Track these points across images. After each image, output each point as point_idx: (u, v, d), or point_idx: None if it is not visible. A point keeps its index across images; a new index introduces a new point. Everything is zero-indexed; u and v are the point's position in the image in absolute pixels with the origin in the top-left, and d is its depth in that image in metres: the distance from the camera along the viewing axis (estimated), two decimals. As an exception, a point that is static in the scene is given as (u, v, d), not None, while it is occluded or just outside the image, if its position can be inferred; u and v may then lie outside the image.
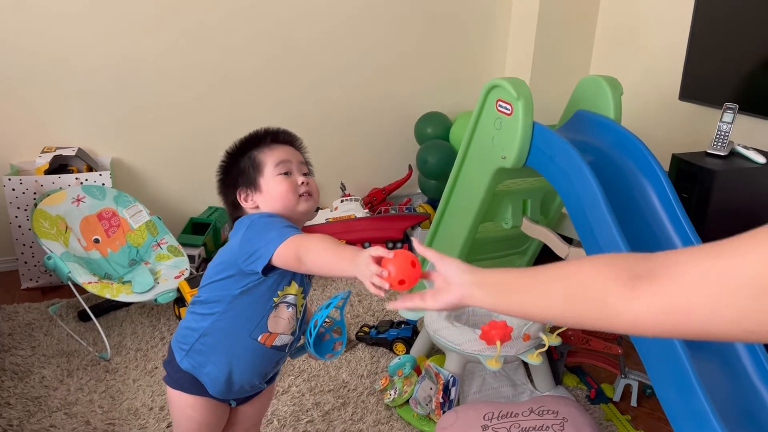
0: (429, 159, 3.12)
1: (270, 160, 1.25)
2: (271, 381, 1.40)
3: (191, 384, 1.28)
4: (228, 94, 2.95)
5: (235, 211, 1.30)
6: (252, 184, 1.25)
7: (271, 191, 1.23)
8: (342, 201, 3.14)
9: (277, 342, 1.26)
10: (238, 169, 1.27)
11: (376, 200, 3.27)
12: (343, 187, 3.27)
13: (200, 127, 2.94)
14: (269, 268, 1.14)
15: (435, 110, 3.32)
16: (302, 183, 1.25)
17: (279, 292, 1.22)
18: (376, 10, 3.13)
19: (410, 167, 3.37)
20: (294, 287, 1.24)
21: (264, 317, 1.23)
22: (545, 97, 2.82)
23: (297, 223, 1.24)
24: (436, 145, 3.14)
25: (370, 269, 0.93)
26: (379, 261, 0.95)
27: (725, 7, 2.38)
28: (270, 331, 1.25)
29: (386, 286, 0.93)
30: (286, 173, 1.24)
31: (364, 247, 2.89)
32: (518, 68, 3.21)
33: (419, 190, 3.40)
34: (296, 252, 1.09)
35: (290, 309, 1.25)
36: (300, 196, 1.24)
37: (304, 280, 1.26)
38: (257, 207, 1.26)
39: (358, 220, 3.04)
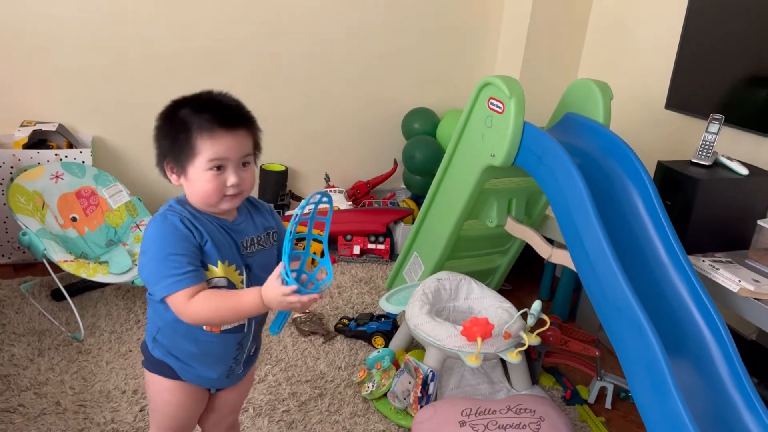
0: (415, 154, 3.12)
1: (207, 152, 1.12)
2: (248, 365, 1.35)
3: (168, 368, 1.26)
4: (215, 79, 2.88)
5: (164, 172, 1.20)
6: (180, 166, 1.15)
7: (195, 184, 1.14)
8: (326, 192, 3.12)
9: (226, 325, 1.22)
10: (173, 137, 1.15)
11: (360, 193, 3.25)
12: (327, 178, 3.25)
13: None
14: None
15: (423, 106, 3.31)
16: (232, 184, 1.14)
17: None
18: (370, 5, 3.10)
19: (395, 162, 3.37)
20: (221, 268, 1.16)
21: None
22: (534, 98, 2.82)
23: (221, 215, 1.19)
24: (423, 141, 3.13)
25: (289, 299, 1.05)
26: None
27: (714, 23, 2.41)
28: None
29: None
30: (218, 168, 1.13)
31: (346, 240, 2.84)
32: (508, 68, 3.22)
33: (403, 185, 3.40)
34: (180, 309, 1.12)
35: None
36: (224, 196, 1.15)
37: (237, 253, 1.19)
38: (181, 185, 1.18)
39: (341, 212, 3.03)
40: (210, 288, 1.16)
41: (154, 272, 1.13)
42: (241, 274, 1.20)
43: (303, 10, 2.99)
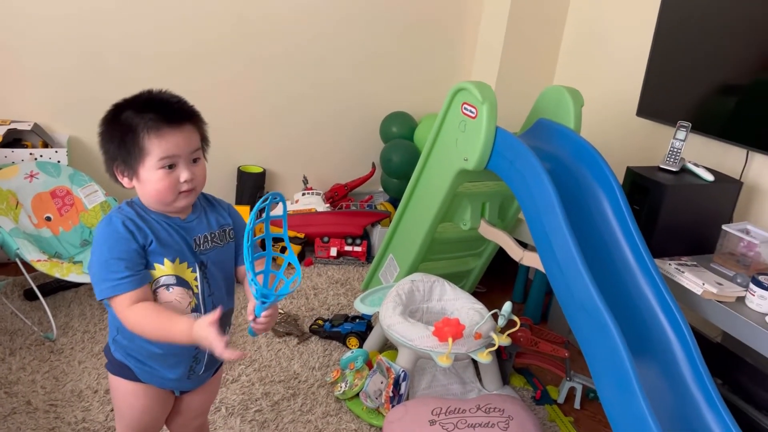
0: (393, 158, 3.15)
1: (156, 151, 1.12)
2: (212, 367, 1.34)
3: (128, 370, 1.26)
4: (192, 80, 2.91)
5: (114, 178, 1.21)
6: (130, 168, 1.15)
7: (148, 185, 1.15)
8: (303, 194, 3.14)
9: None
10: (119, 141, 1.14)
11: (337, 195, 3.27)
12: (305, 180, 3.27)
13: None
14: None
15: (401, 110, 3.34)
16: (185, 181, 1.15)
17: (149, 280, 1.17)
18: (348, 9, 3.13)
19: (373, 165, 3.39)
20: (168, 266, 1.17)
21: None
22: (509, 104, 2.87)
23: (174, 213, 1.20)
24: (401, 145, 3.16)
25: (213, 340, 1.05)
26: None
27: (683, 34, 2.47)
28: None
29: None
30: (170, 166, 1.14)
31: (323, 242, 2.84)
32: (485, 74, 3.26)
33: (381, 189, 3.42)
34: (121, 316, 1.14)
35: (172, 290, 1.19)
36: (179, 193, 1.16)
37: (188, 251, 1.20)
38: (133, 187, 1.18)
39: (318, 214, 3.05)
40: (160, 287, 1.17)
41: (96, 275, 1.14)
42: (194, 271, 1.20)
43: (282, 13, 3.01)
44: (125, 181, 1.18)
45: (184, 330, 1.10)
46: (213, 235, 1.25)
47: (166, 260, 1.17)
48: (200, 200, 1.26)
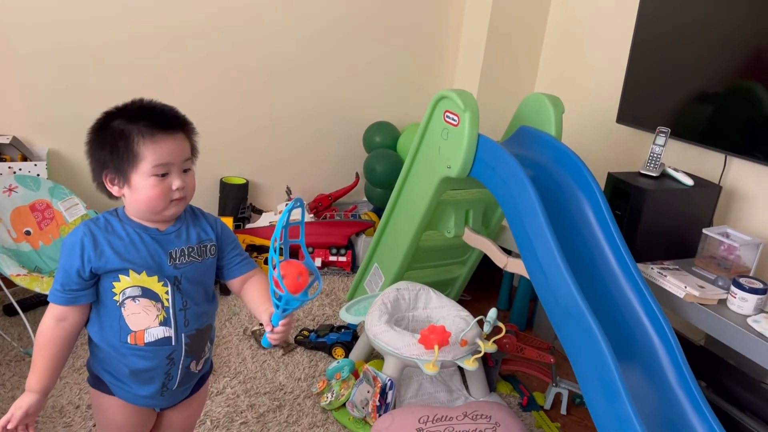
0: (376, 167, 3.15)
1: (150, 157, 1.12)
2: (189, 382, 1.31)
3: (104, 385, 1.25)
4: (174, 91, 2.89)
5: (101, 187, 1.20)
6: (122, 175, 1.14)
7: (140, 192, 1.14)
8: (287, 204, 3.13)
9: (149, 338, 1.19)
10: (111, 147, 1.13)
11: (321, 206, 3.27)
12: (288, 191, 3.26)
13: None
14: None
15: (384, 120, 3.35)
16: (177, 188, 1.15)
17: (114, 291, 1.17)
18: (330, 20, 3.14)
19: (357, 175, 3.39)
20: (133, 278, 1.16)
21: (119, 318, 1.18)
22: (491, 112, 2.90)
23: (162, 221, 1.21)
24: (384, 154, 3.17)
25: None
26: None
27: (661, 41, 2.51)
28: (133, 329, 1.19)
29: None
30: (163, 174, 1.14)
31: (310, 253, 2.82)
32: (467, 83, 3.29)
33: (365, 198, 3.42)
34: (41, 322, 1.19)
35: (138, 301, 1.18)
36: (170, 201, 1.16)
37: (160, 263, 1.18)
38: (123, 195, 1.17)
39: (302, 224, 3.03)
40: (127, 299, 1.17)
41: (57, 271, 1.19)
42: (165, 285, 1.19)
43: (264, 26, 3.01)
44: (114, 190, 1.17)
45: (30, 382, 1.19)
46: (191, 250, 1.23)
47: (131, 272, 1.16)
48: (185, 212, 1.25)
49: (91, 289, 1.18)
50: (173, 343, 1.22)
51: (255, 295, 1.27)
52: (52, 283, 1.18)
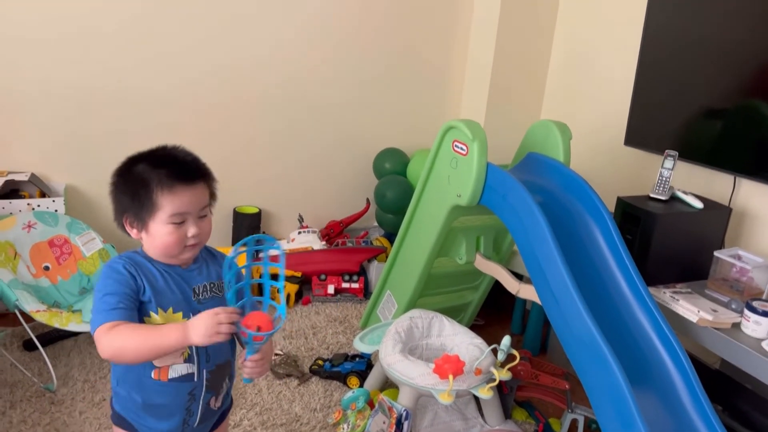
0: (386, 193, 3.18)
1: (168, 207, 1.17)
2: (210, 419, 1.34)
3: (127, 423, 1.27)
4: (185, 124, 2.96)
5: (122, 228, 1.25)
6: (141, 221, 1.19)
7: (156, 238, 1.19)
8: (299, 232, 3.17)
9: (173, 373, 1.22)
10: (131, 193, 1.19)
11: (333, 233, 3.30)
12: (300, 219, 3.29)
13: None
14: None
15: (393, 146, 3.39)
16: (192, 236, 1.20)
17: None
18: (338, 50, 3.20)
19: (368, 201, 3.43)
20: (162, 316, 1.19)
21: None
22: (498, 139, 2.93)
23: (177, 263, 1.23)
24: (394, 180, 3.20)
25: (217, 317, 1.07)
26: None
27: (666, 63, 2.53)
28: (157, 366, 1.22)
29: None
30: (180, 223, 1.18)
31: (320, 280, 2.86)
32: (474, 110, 3.33)
33: (376, 224, 3.45)
34: (102, 342, 1.12)
35: None
36: (185, 247, 1.20)
37: (185, 300, 1.22)
38: (141, 238, 1.22)
39: (314, 252, 3.06)
40: None
41: (93, 311, 1.16)
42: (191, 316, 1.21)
43: (273, 55, 3.07)
44: (133, 233, 1.22)
45: (174, 329, 1.10)
46: (213, 285, 1.27)
47: (159, 309, 1.19)
48: (202, 252, 1.29)
49: (135, 312, 1.17)
50: (195, 380, 1.25)
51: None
52: (96, 313, 1.13)
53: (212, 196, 1.26)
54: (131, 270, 1.18)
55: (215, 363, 1.28)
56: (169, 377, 1.22)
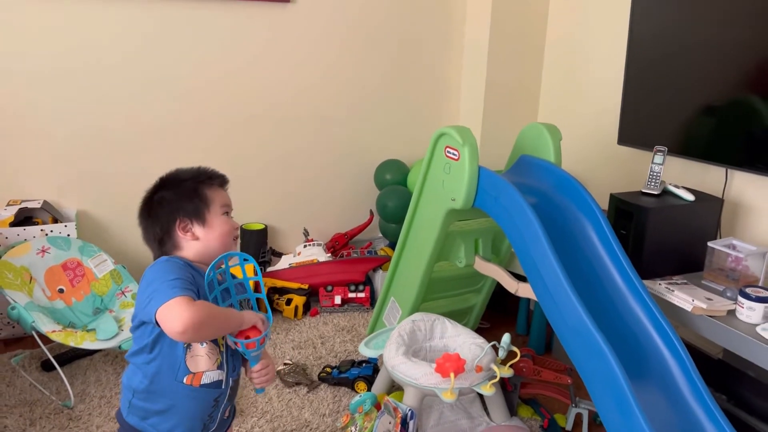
0: (388, 203, 3.25)
1: (218, 199, 1.37)
2: (222, 429, 1.41)
3: None
4: (189, 148, 3.05)
5: (160, 247, 1.35)
6: (198, 216, 1.34)
7: (216, 228, 1.35)
8: (305, 246, 3.23)
9: (205, 380, 1.30)
10: (180, 199, 1.34)
11: (338, 245, 3.36)
12: (306, 233, 3.36)
13: (165, 177, 3.03)
14: None
15: (393, 158, 3.47)
16: (236, 228, 1.39)
17: None
18: (338, 67, 3.29)
19: (371, 212, 3.49)
20: None
21: (181, 359, 1.28)
22: (497, 143, 2.99)
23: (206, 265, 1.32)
24: (395, 191, 3.27)
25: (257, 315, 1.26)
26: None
27: (654, 60, 2.58)
28: (192, 371, 1.28)
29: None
30: (227, 214, 1.39)
31: (327, 291, 2.95)
32: (471, 118, 3.39)
33: (380, 234, 3.52)
34: (185, 311, 1.17)
35: (205, 344, 1.29)
36: (234, 238, 1.38)
37: (223, 304, 1.32)
38: (197, 239, 1.33)
39: (320, 264, 3.13)
40: (193, 342, 1.29)
41: (157, 291, 1.18)
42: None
43: (272, 70, 3.15)
44: (189, 236, 1.33)
45: (237, 312, 1.28)
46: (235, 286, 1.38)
47: None
48: None
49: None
50: (222, 387, 1.34)
51: None
52: (169, 289, 1.18)
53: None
54: (188, 270, 1.28)
55: (237, 372, 1.38)
56: (201, 383, 1.30)
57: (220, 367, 1.31)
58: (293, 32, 3.15)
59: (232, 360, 1.35)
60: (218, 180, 1.40)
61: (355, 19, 3.28)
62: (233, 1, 2.98)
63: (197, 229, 1.33)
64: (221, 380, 1.33)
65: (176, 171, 1.40)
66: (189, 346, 1.27)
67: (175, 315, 1.14)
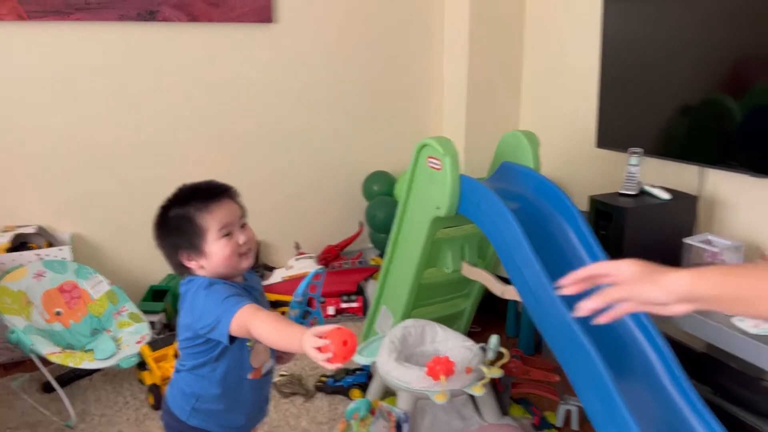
0: (377, 214, 3.32)
1: (213, 225, 1.31)
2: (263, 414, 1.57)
3: None
4: (182, 164, 3.11)
5: (180, 268, 1.38)
6: (195, 249, 1.32)
7: (215, 256, 1.31)
8: (297, 259, 3.29)
9: (264, 370, 1.44)
10: (177, 231, 1.32)
11: (330, 256, 3.42)
12: (297, 246, 3.42)
13: (158, 198, 3.07)
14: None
15: (380, 169, 3.54)
16: (243, 243, 1.33)
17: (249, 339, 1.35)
18: (324, 82, 3.37)
19: (360, 223, 3.56)
20: None
21: (246, 359, 1.39)
22: (480, 151, 3.06)
23: (239, 276, 1.39)
24: (383, 201, 3.34)
25: (312, 342, 1.11)
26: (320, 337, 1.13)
27: (627, 64, 2.66)
28: (255, 366, 1.41)
29: (329, 354, 1.11)
30: (227, 234, 1.32)
31: (320, 303, 3.00)
32: (454, 128, 3.47)
33: (371, 244, 3.58)
34: (247, 327, 1.23)
35: (258, 344, 1.40)
36: (241, 255, 1.34)
37: (262, 305, 1.37)
38: (202, 267, 1.34)
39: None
40: (256, 343, 1.37)
41: (218, 311, 1.24)
42: None
43: (258, 89, 3.22)
44: (193, 265, 1.35)
45: (297, 334, 1.16)
46: (261, 292, 1.48)
47: None
48: None
49: None
50: (272, 374, 1.50)
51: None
52: (222, 311, 1.23)
53: (242, 208, 1.41)
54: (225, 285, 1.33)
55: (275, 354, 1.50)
56: (262, 373, 1.43)
57: (271, 356, 1.45)
58: (277, 51, 3.23)
59: (273, 352, 1.47)
60: (214, 199, 1.34)
61: (337, 38, 3.36)
62: (218, 23, 3.06)
63: (201, 260, 1.33)
64: (273, 367, 1.48)
65: (165, 203, 1.36)
66: (252, 347, 1.37)
67: (245, 323, 1.23)
